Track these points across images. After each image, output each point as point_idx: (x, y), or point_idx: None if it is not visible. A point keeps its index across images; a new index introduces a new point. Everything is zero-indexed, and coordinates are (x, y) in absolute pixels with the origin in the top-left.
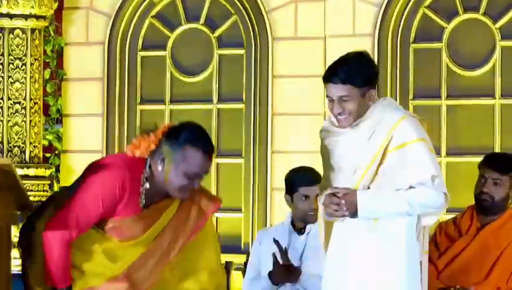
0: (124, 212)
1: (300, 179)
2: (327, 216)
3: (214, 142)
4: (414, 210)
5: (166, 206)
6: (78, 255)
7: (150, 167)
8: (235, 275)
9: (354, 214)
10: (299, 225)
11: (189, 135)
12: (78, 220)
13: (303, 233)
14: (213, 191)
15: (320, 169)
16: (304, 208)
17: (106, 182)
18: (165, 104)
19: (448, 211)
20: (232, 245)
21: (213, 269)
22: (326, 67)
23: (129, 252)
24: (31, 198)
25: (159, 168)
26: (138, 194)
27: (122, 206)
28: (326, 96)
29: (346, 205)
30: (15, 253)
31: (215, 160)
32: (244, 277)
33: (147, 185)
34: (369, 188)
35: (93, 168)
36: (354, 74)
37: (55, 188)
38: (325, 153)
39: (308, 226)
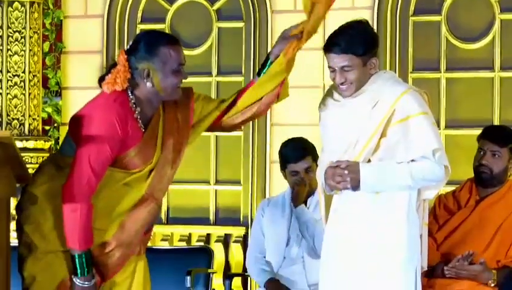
0: (132, 142)
1: (287, 156)
2: (328, 189)
3: None
4: (416, 183)
5: (157, 122)
6: (104, 198)
7: (132, 93)
8: (234, 247)
9: (356, 186)
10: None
11: (150, 40)
12: (93, 170)
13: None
14: (212, 165)
15: (318, 141)
16: (293, 183)
17: (103, 127)
18: None
19: (447, 183)
20: (232, 218)
21: None
22: (325, 38)
23: (146, 175)
24: (30, 171)
25: (148, 84)
26: (135, 121)
27: (128, 139)
28: (328, 66)
29: (349, 177)
30: (14, 225)
31: (215, 133)
32: (242, 249)
33: (138, 109)
34: (369, 160)
35: (82, 121)
36: (354, 43)
37: None
38: (325, 126)
39: (309, 200)
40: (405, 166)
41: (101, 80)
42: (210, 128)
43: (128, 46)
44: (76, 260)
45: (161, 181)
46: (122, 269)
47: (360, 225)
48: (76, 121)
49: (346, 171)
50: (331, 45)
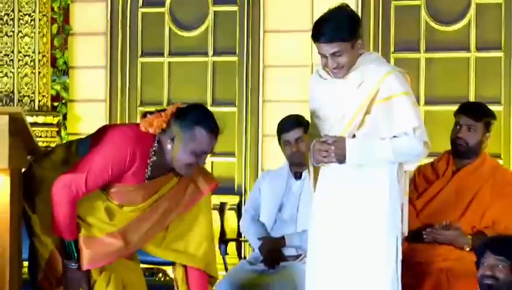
0: (129, 180)
1: (280, 128)
2: (315, 162)
3: (209, 93)
4: (397, 157)
5: (166, 180)
6: (84, 208)
7: (158, 142)
8: (229, 214)
9: (341, 160)
10: (295, 169)
11: (197, 116)
12: (87, 182)
13: (300, 178)
14: None
15: (308, 116)
16: (287, 152)
17: (118, 152)
18: (164, 57)
19: (428, 155)
20: (227, 187)
21: (205, 234)
22: (313, 21)
23: (126, 215)
24: (40, 144)
25: (169, 146)
26: (145, 166)
27: (129, 175)
28: (319, 53)
29: (335, 151)
30: None
31: (211, 108)
32: (237, 216)
33: (154, 158)
34: (354, 135)
35: (107, 135)
36: (340, 29)
37: (62, 134)
38: (314, 102)
39: (304, 172)
40: (388, 142)
41: (145, 115)
42: None
43: (183, 105)
44: (66, 246)
45: (137, 231)
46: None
47: (345, 195)
48: (102, 133)
49: (332, 147)
50: (319, 35)
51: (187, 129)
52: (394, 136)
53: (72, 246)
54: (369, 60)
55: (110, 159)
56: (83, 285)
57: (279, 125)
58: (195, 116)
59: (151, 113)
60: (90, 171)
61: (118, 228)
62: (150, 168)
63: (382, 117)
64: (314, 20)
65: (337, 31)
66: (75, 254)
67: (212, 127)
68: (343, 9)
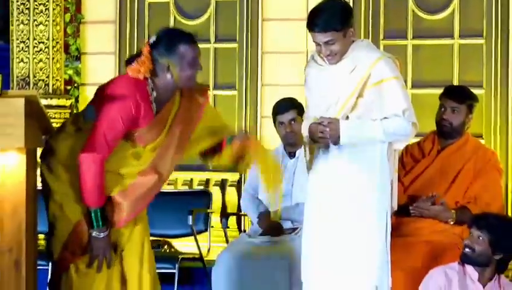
0: (144, 123)
1: (275, 110)
2: (311, 142)
3: (211, 77)
4: (387, 137)
5: (170, 107)
6: (114, 162)
7: (150, 78)
8: (230, 190)
9: (336, 141)
10: (289, 148)
11: (171, 39)
12: (107, 140)
13: (293, 157)
14: None
15: (302, 99)
16: (281, 133)
17: (121, 104)
18: None
19: (415, 135)
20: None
21: (219, 117)
22: (308, 11)
23: (151, 152)
24: (54, 124)
25: (168, 76)
26: (150, 105)
27: (141, 119)
28: (314, 41)
29: (330, 132)
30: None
31: (213, 92)
32: (237, 192)
33: (154, 94)
34: (348, 117)
35: (106, 95)
36: (333, 20)
37: None
38: (310, 86)
39: (298, 151)
40: (379, 123)
41: (128, 62)
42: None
43: (151, 41)
44: (92, 215)
45: (164, 160)
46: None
47: (338, 173)
48: (101, 93)
49: (327, 128)
50: (314, 25)
51: (172, 53)
52: (385, 118)
53: (98, 214)
54: (361, 46)
55: (117, 113)
56: (108, 254)
57: (274, 107)
58: (169, 40)
59: (131, 59)
60: (105, 130)
61: (148, 165)
62: (154, 104)
63: (373, 100)
64: (309, 10)
65: (330, 21)
66: (101, 223)
67: (189, 37)
68: (336, 1)
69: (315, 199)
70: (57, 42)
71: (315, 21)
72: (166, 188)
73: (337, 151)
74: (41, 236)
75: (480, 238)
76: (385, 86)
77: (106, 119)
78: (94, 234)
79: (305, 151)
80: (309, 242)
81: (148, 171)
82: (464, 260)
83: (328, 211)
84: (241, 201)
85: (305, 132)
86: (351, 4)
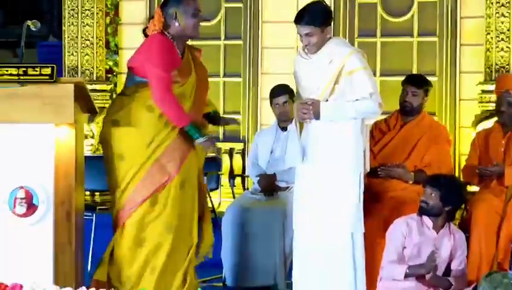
0: (178, 65)
1: (271, 93)
2: (299, 118)
3: (221, 68)
4: (358, 115)
5: (188, 56)
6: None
7: (165, 31)
8: (236, 157)
9: (317, 117)
10: (282, 124)
11: None
12: (165, 71)
13: (285, 130)
14: (221, 100)
15: (293, 85)
16: (276, 112)
17: (160, 43)
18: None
19: (383, 113)
20: (234, 136)
21: None
22: None
23: (188, 88)
24: (97, 105)
25: (176, 24)
26: (175, 50)
27: (175, 63)
28: (297, 33)
29: (313, 110)
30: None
31: (223, 79)
32: (242, 158)
33: (174, 42)
34: (327, 100)
35: (139, 54)
36: (314, 17)
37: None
38: (298, 75)
39: (289, 126)
40: (351, 104)
41: (144, 30)
42: None
43: (161, 3)
44: (189, 131)
45: (200, 99)
46: None
47: (322, 143)
48: (133, 60)
49: (310, 107)
50: (298, 19)
51: (178, 3)
52: (356, 100)
53: (192, 128)
54: (336, 43)
55: (159, 49)
56: (215, 141)
57: (270, 91)
58: None
59: (145, 29)
60: (158, 65)
61: (191, 102)
62: (177, 50)
63: (346, 86)
64: None
65: (310, 17)
66: (198, 133)
67: None
68: (318, 3)
69: (304, 163)
70: (100, 39)
71: (300, 16)
72: None
73: (320, 126)
74: (87, 193)
75: (433, 194)
76: (356, 75)
77: (155, 59)
78: (198, 142)
79: (296, 126)
80: (299, 198)
81: (193, 107)
82: (421, 211)
83: (313, 172)
84: (246, 167)
85: (295, 111)
86: (333, 9)
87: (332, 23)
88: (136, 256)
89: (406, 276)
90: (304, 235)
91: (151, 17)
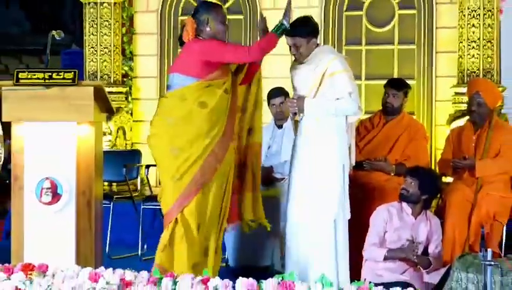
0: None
1: (269, 95)
2: (291, 114)
3: None
4: (338, 112)
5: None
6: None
7: (198, 36)
8: None
9: (302, 111)
10: (278, 122)
11: (208, 3)
12: (229, 45)
13: (281, 128)
14: None
15: (288, 87)
16: (273, 112)
17: (201, 42)
18: None
19: (366, 112)
20: None
21: None
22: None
23: (229, 85)
24: (113, 105)
25: (208, 29)
26: None
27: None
28: (287, 43)
29: (297, 105)
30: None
31: None
32: None
33: None
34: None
35: (184, 55)
36: (300, 30)
37: (129, 99)
38: (292, 79)
39: (285, 124)
40: (332, 102)
41: (180, 38)
42: None
43: (193, 11)
44: (277, 31)
45: (235, 95)
46: None
47: (312, 137)
48: (192, 56)
49: (295, 102)
50: (287, 32)
51: (210, 10)
52: (337, 99)
53: (275, 30)
54: (323, 50)
55: (212, 40)
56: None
57: (268, 93)
58: (205, 3)
59: (180, 36)
60: (219, 43)
61: (230, 97)
62: None
63: (329, 87)
64: None
65: (297, 30)
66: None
67: (218, 4)
68: (307, 18)
69: (296, 157)
70: (116, 47)
71: (290, 28)
72: None
73: (309, 122)
74: (105, 183)
75: (412, 183)
76: (337, 76)
77: (213, 46)
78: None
79: (292, 124)
80: (292, 186)
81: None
82: (401, 198)
83: (304, 163)
84: None
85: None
86: (323, 20)
87: (318, 35)
88: (194, 242)
89: (385, 258)
90: (293, 222)
91: (182, 26)
